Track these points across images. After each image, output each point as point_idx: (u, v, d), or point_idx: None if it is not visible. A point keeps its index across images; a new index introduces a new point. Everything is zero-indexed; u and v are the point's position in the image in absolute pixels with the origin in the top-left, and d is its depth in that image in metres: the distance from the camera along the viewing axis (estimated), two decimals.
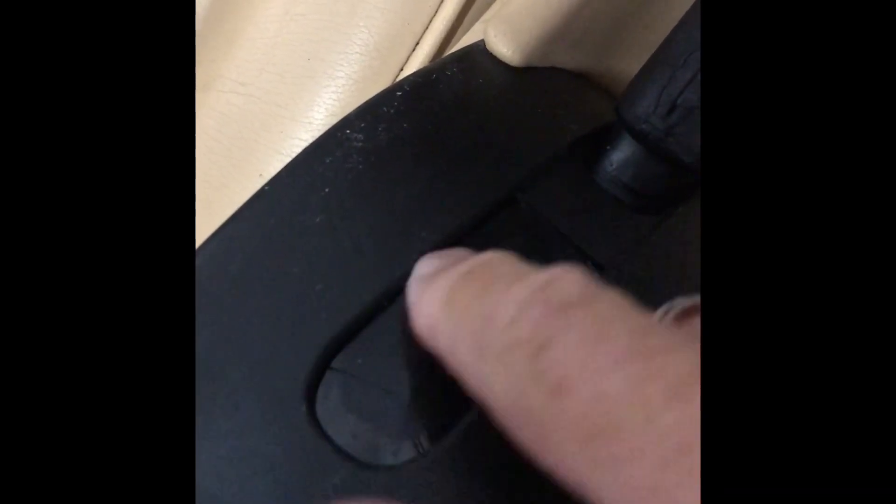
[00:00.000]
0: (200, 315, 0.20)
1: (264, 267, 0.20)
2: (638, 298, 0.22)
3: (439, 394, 0.19)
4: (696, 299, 0.16)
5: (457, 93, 0.24)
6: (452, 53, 0.25)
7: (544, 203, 0.23)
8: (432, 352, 0.16)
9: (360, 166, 0.22)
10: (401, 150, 0.22)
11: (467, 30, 0.27)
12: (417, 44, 0.28)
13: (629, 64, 0.27)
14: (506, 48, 0.25)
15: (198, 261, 0.20)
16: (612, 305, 0.14)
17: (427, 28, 0.28)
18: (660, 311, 0.16)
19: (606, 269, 0.22)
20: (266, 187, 0.21)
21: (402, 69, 0.28)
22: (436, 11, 0.28)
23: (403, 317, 0.18)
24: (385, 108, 0.23)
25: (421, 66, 0.28)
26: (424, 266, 0.18)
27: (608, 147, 0.24)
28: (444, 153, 0.22)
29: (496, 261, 0.16)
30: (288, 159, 0.22)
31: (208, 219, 0.28)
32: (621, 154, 0.24)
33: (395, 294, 0.20)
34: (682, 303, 0.16)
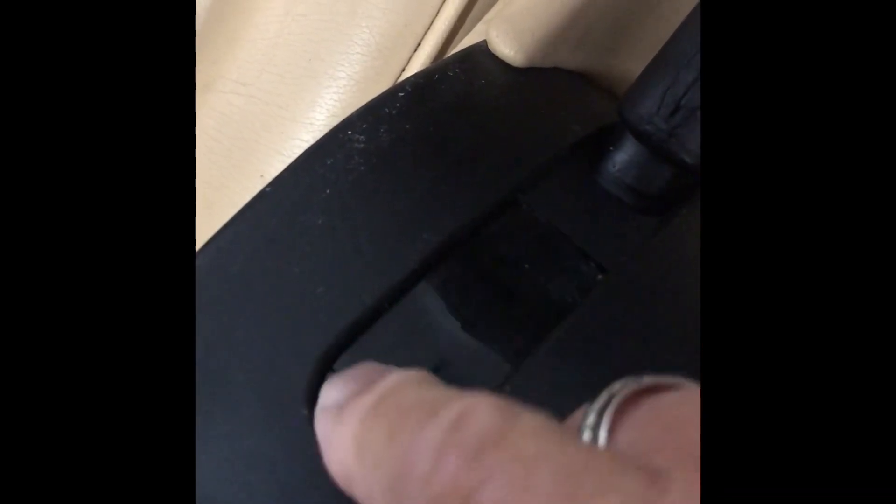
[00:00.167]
0: (201, 316, 0.20)
1: (266, 268, 0.20)
2: (640, 300, 0.22)
3: None
4: (641, 382, 0.14)
5: (459, 94, 0.24)
6: (454, 54, 0.25)
7: (546, 204, 0.23)
8: (348, 493, 0.15)
9: (362, 168, 0.21)
10: (402, 151, 0.22)
11: (469, 30, 0.27)
12: (419, 44, 0.28)
13: (632, 64, 0.27)
14: (508, 49, 0.25)
15: (199, 262, 0.20)
16: (533, 439, 0.13)
17: (429, 28, 0.28)
18: (602, 398, 0.14)
19: (609, 271, 0.22)
20: (267, 188, 0.21)
21: (403, 69, 0.28)
22: (437, 12, 0.28)
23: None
24: (387, 109, 0.23)
25: (423, 67, 0.28)
26: (330, 395, 0.17)
27: (611, 148, 0.24)
28: (446, 154, 0.22)
29: (404, 388, 0.15)
30: (289, 160, 0.22)
31: (209, 219, 0.28)
32: (624, 155, 0.23)
33: (397, 296, 0.20)
34: (627, 387, 0.14)
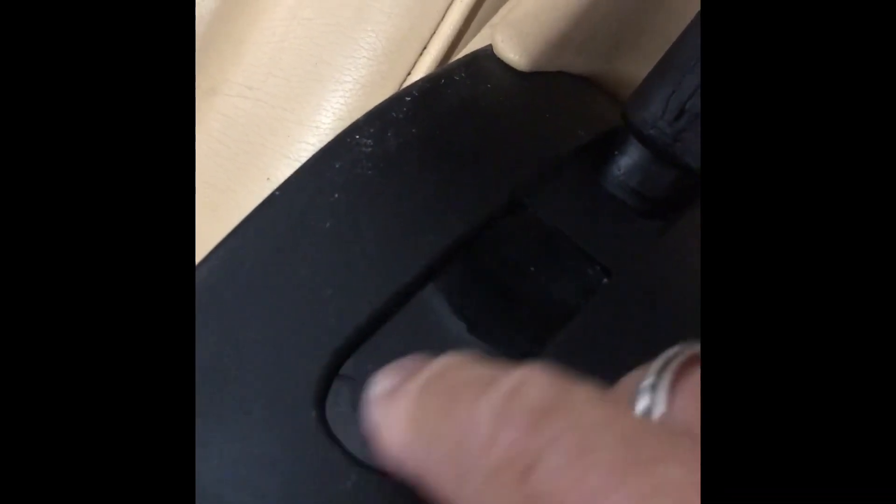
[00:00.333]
0: (210, 320, 0.20)
1: (274, 272, 0.20)
2: (644, 303, 0.22)
3: None
4: (696, 349, 0.14)
5: (465, 98, 0.24)
6: (460, 58, 0.26)
7: (551, 207, 0.23)
8: (406, 479, 0.15)
9: (370, 172, 0.22)
10: (409, 155, 0.22)
11: (474, 34, 0.27)
12: (425, 48, 0.28)
13: (637, 68, 0.27)
14: (513, 53, 0.25)
15: (208, 265, 0.21)
16: (591, 407, 0.13)
17: (434, 33, 0.28)
18: (660, 359, 0.14)
19: (614, 274, 0.22)
20: (276, 192, 0.21)
21: (409, 74, 0.28)
22: (443, 16, 0.28)
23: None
24: (394, 114, 0.23)
25: (428, 71, 0.28)
26: (380, 384, 0.17)
27: (616, 152, 0.24)
28: (452, 158, 0.22)
29: (455, 367, 0.15)
30: (295, 163, 0.22)
31: (215, 222, 0.28)
32: (629, 159, 0.24)
33: (404, 299, 0.20)
34: (683, 353, 0.14)
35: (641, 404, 0.14)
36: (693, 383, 0.14)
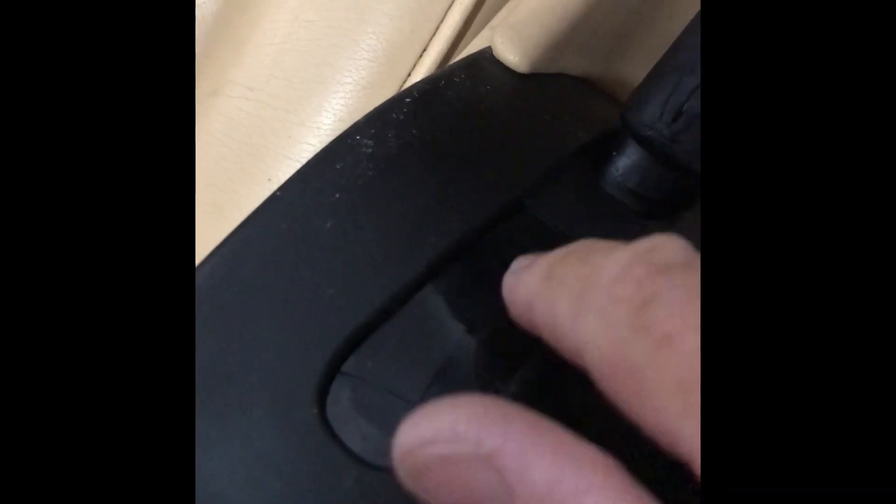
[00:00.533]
0: (212, 319, 0.20)
1: (275, 271, 0.21)
2: None
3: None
4: None
5: (465, 99, 0.24)
6: (460, 60, 0.26)
7: (551, 208, 0.23)
8: (528, 327, 0.16)
9: (370, 172, 0.22)
10: (410, 156, 0.22)
11: (474, 36, 0.28)
12: (425, 50, 0.28)
13: (635, 70, 0.27)
14: (513, 55, 0.25)
15: (209, 265, 0.21)
16: None
17: (434, 34, 0.28)
18: None
19: None
20: (278, 192, 0.21)
21: (409, 75, 0.28)
22: (443, 18, 0.28)
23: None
24: (394, 115, 0.23)
25: (428, 73, 0.28)
26: (519, 261, 0.18)
27: (614, 153, 0.24)
28: (452, 159, 0.23)
29: (594, 241, 0.16)
30: (296, 164, 0.22)
31: (217, 223, 0.28)
32: (627, 160, 0.24)
33: (404, 299, 0.20)
34: None
35: None
36: None
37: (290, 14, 0.29)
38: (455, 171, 0.22)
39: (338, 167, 0.22)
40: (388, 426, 0.19)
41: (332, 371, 0.19)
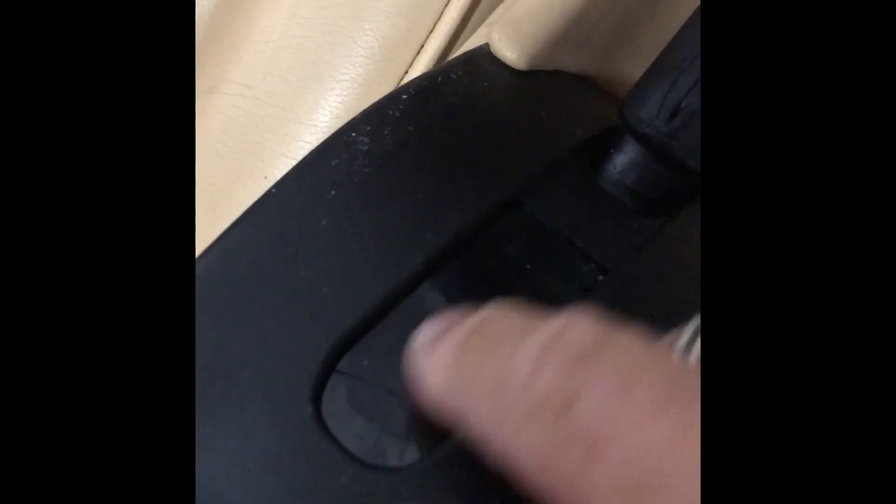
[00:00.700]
0: (208, 317, 0.20)
1: (271, 269, 0.20)
2: (640, 301, 0.22)
3: None
4: None
5: (461, 96, 0.24)
6: (457, 57, 0.26)
7: (548, 206, 0.23)
8: (444, 421, 0.15)
9: (366, 169, 0.22)
10: (406, 153, 0.22)
11: (471, 33, 0.27)
12: (422, 47, 0.28)
13: (633, 67, 0.27)
14: (510, 52, 0.25)
15: (204, 263, 0.21)
16: (633, 349, 0.13)
17: (432, 31, 0.28)
18: (692, 325, 0.15)
19: (610, 272, 0.22)
20: (272, 190, 0.21)
21: (406, 72, 0.28)
22: (440, 15, 0.28)
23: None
24: (391, 112, 0.23)
25: (425, 70, 0.28)
26: (423, 335, 0.17)
27: (612, 150, 0.24)
28: (449, 156, 0.23)
29: (498, 316, 0.15)
30: (293, 162, 0.22)
31: (214, 221, 0.28)
32: (625, 157, 0.24)
33: (400, 296, 0.20)
34: None
35: (695, 351, 0.14)
36: None
37: (286, 11, 0.29)
38: (452, 169, 0.22)
39: (333, 164, 0.22)
40: (385, 425, 0.19)
41: (327, 369, 0.19)
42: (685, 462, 0.12)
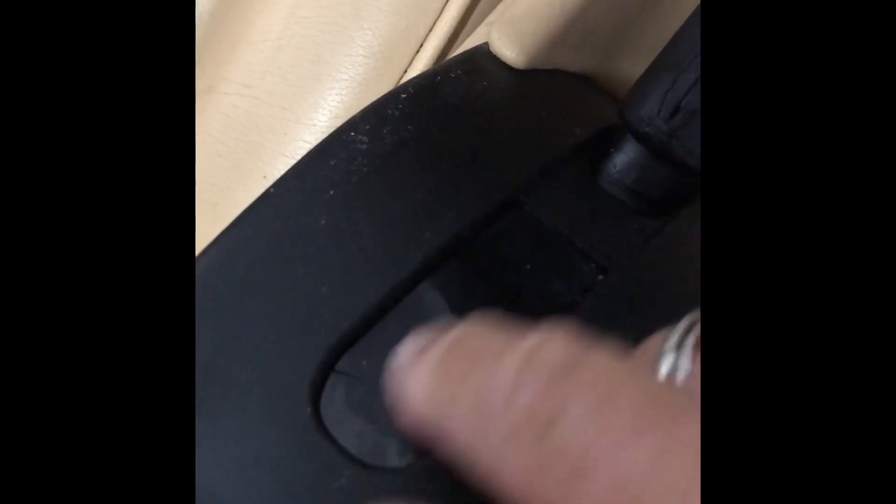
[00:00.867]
0: (206, 317, 0.20)
1: (269, 269, 0.20)
2: (641, 300, 0.22)
3: None
4: None
5: (461, 95, 0.24)
6: (456, 56, 0.26)
7: (548, 205, 0.23)
8: (426, 439, 0.15)
9: (365, 168, 0.22)
10: (405, 152, 0.22)
11: (471, 32, 0.27)
12: (421, 46, 0.28)
13: (633, 66, 0.27)
14: (510, 51, 0.25)
15: (203, 263, 0.21)
16: (611, 366, 0.13)
17: (431, 30, 0.28)
18: (685, 320, 0.15)
19: (610, 272, 0.22)
20: (271, 189, 0.21)
21: (405, 71, 0.28)
22: (439, 14, 0.28)
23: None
24: (390, 111, 0.23)
25: (424, 69, 0.28)
26: (401, 355, 0.17)
27: (612, 150, 0.24)
28: (448, 156, 0.22)
29: (476, 332, 0.15)
30: (292, 161, 0.22)
31: (213, 221, 0.28)
32: (625, 157, 0.24)
33: (399, 296, 0.20)
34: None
35: (666, 363, 0.14)
36: None
37: (285, 11, 0.29)
38: (451, 168, 0.22)
39: (332, 164, 0.22)
40: (383, 425, 0.19)
41: (326, 369, 0.19)
42: (668, 486, 0.12)
